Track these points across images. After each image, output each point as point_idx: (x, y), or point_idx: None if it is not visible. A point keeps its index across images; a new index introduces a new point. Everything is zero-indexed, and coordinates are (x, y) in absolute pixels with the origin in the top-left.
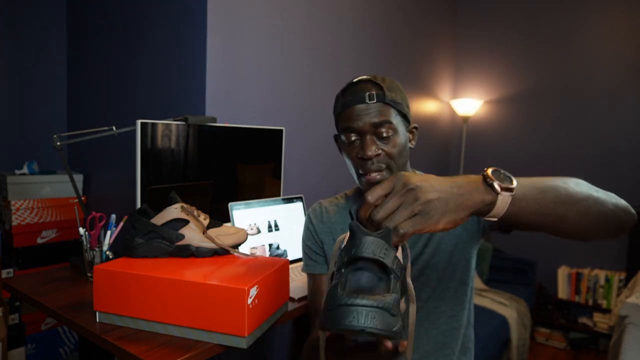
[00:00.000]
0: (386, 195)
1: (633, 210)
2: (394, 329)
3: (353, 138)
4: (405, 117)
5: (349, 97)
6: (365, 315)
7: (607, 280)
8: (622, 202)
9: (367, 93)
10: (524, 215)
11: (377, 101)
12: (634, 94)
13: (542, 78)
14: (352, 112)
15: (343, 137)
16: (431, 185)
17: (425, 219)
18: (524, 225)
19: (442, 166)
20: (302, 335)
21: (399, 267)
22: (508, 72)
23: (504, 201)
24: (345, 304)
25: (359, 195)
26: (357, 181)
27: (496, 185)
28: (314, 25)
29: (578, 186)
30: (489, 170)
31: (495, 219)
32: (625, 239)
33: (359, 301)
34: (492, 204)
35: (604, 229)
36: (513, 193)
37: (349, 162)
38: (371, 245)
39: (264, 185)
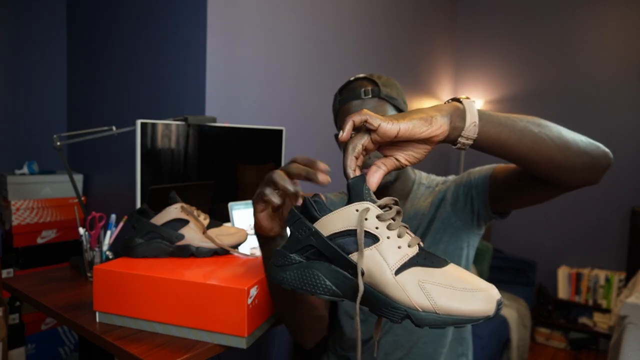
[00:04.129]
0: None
1: (608, 150)
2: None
3: None
4: (401, 112)
5: (345, 94)
6: None
7: (607, 280)
8: (598, 143)
9: (363, 89)
10: (495, 132)
11: (372, 96)
12: (634, 93)
13: (542, 78)
14: (348, 108)
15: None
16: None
17: (382, 119)
18: (496, 143)
19: (442, 166)
20: None
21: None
22: (508, 71)
23: (471, 107)
24: None
25: None
26: None
27: (459, 97)
28: (314, 25)
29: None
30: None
31: (472, 142)
32: (625, 239)
33: None
34: (464, 111)
35: (572, 156)
36: (473, 101)
37: None
38: None
39: None
